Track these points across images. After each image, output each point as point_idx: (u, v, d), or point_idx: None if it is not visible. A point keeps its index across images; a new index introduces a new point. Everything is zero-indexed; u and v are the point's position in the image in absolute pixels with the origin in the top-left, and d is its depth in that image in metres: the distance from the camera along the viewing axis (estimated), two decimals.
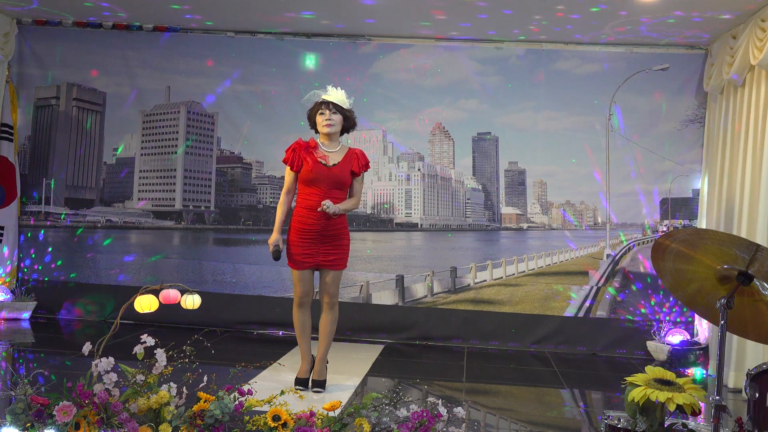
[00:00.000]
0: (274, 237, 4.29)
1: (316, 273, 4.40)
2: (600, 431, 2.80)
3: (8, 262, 6.46)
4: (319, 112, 4.30)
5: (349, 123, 4.36)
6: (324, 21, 5.99)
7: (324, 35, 6.40)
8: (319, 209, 4.15)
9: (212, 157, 6.80)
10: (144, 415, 3.00)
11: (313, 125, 4.38)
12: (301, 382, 4.33)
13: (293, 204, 4.40)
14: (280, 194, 4.43)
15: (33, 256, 6.65)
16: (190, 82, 6.66)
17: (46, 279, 6.58)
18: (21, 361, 4.96)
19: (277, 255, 4.26)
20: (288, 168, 4.33)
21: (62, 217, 6.73)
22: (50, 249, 6.68)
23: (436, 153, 6.73)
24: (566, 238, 6.52)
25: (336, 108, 4.28)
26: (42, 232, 6.69)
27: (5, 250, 6.43)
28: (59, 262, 6.63)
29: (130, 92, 6.71)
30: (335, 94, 4.30)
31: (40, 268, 6.62)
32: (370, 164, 4.42)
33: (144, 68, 6.64)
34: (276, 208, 4.43)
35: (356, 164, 4.30)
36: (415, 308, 6.37)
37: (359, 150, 4.39)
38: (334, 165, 4.26)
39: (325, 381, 4.38)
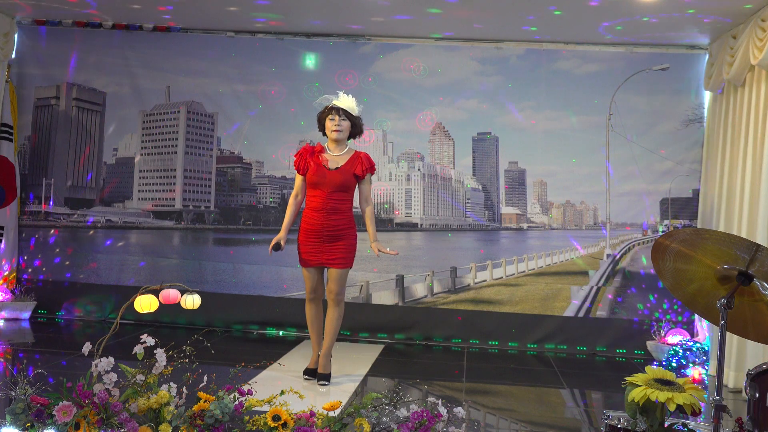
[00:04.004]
0: (279, 235, 4.44)
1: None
2: (600, 431, 2.80)
3: (8, 262, 6.46)
4: (329, 117, 4.39)
5: (356, 129, 4.51)
6: (324, 21, 6.00)
7: (324, 35, 6.40)
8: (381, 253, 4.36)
9: (212, 157, 6.79)
10: (144, 415, 2.99)
11: (322, 128, 4.50)
12: (309, 372, 4.50)
13: (303, 206, 4.54)
14: (279, 194, 4.49)
15: (33, 256, 6.64)
16: (190, 82, 6.66)
17: (46, 279, 6.58)
18: (21, 361, 4.96)
19: (275, 248, 4.39)
20: (297, 173, 4.52)
21: (61, 218, 6.72)
22: (50, 249, 6.67)
23: (436, 153, 6.73)
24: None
25: (345, 114, 4.39)
26: (41, 232, 6.69)
27: (5, 251, 6.42)
28: (59, 262, 6.63)
29: (130, 92, 6.70)
30: (346, 101, 4.43)
31: (40, 268, 6.62)
32: (375, 167, 4.55)
33: (144, 68, 6.64)
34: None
35: (359, 168, 4.42)
36: (415, 308, 6.37)
37: (365, 153, 4.50)
38: (336, 168, 4.37)
39: (329, 375, 4.51)
